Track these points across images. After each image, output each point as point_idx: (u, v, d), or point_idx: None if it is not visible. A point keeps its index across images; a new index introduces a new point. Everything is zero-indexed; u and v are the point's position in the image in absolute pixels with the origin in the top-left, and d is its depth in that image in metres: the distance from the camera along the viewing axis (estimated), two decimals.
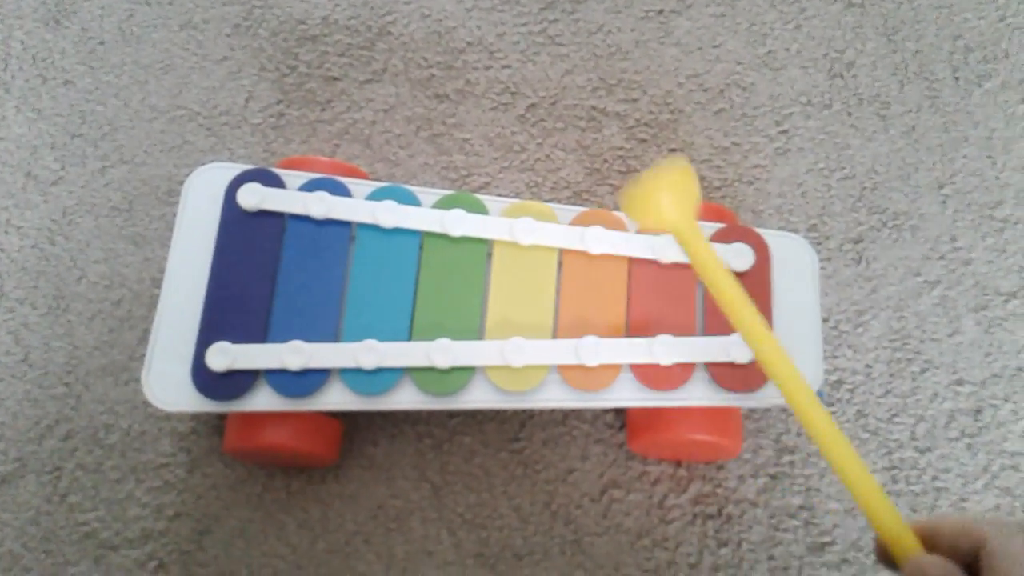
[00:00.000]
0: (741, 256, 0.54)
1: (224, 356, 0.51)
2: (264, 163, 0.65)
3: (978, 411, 0.61)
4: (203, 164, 0.56)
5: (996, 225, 0.65)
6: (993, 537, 0.34)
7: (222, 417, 0.59)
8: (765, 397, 0.53)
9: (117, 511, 0.58)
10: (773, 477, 0.59)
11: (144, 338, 0.61)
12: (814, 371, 0.54)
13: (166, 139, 0.67)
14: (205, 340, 0.52)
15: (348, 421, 0.59)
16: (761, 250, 0.55)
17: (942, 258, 0.65)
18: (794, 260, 0.56)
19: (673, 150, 0.67)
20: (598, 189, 0.66)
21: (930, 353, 0.62)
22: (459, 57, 0.70)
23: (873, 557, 0.57)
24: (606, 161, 0.67)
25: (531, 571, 0.57)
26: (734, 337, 0.52)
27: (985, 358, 0.62)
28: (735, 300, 0.42)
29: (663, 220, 0.44)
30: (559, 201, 0.65)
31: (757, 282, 0.54)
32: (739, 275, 0.54)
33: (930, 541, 0.36)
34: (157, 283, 0.62)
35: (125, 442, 0.59)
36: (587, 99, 0.68)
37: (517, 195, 0.66)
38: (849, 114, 0.68)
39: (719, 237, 0.55)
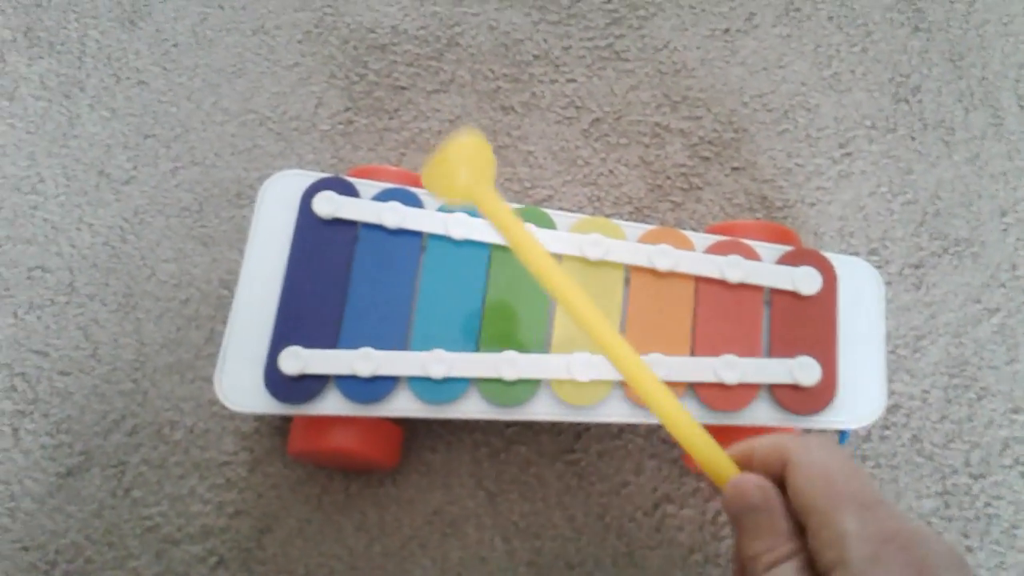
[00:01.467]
0: (809, 280, 0.54)
1: (297, 360, 0.52)
2: (332, 169, 0.67)
3: None
4: (272, 168, 0.57)
5: None
6: (794, 449, 0.37)
7: (285, 419, 0.60)
8: (827, 420, 0.53)
9: (180, 507, 0.59)
10: None
11: (211, 338, 0.62)
12: (878, 397, 0.54)
13: (236, 143, 0.68)
14: (278, 344, 0.53)
15: (407, 428, 0.59)
16: (828, 274, 0.55)
17: (1002, 286, 0.65)
18: (859, 285, 0.56)
19: (736, 168, 0.67)
20: (660, 205, 0.66)
21: (987, 380, 0.62)
22: (525, 70, 0.70)
23: None
24: (668, 178, 0.67)
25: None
26: (800, 360, 0.53)
27: None
28: (539, 259, 0.44)
29: (459, 189, 0.45)
30: (620, 216, 0.66)
31: (823, 306, 0.55)
32: (805, 299, 0.55)
33: (746, 464, 0.40)
34: (225, 284, 0.64)
35: (189, 439, 0.61)
36: (651, 115, 0.69)
37: (579, 209, 0.66)
38: (913, 139, 0.68)
39: (786, 260, 0.56)
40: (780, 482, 0.38)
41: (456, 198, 0.45)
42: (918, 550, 0.34)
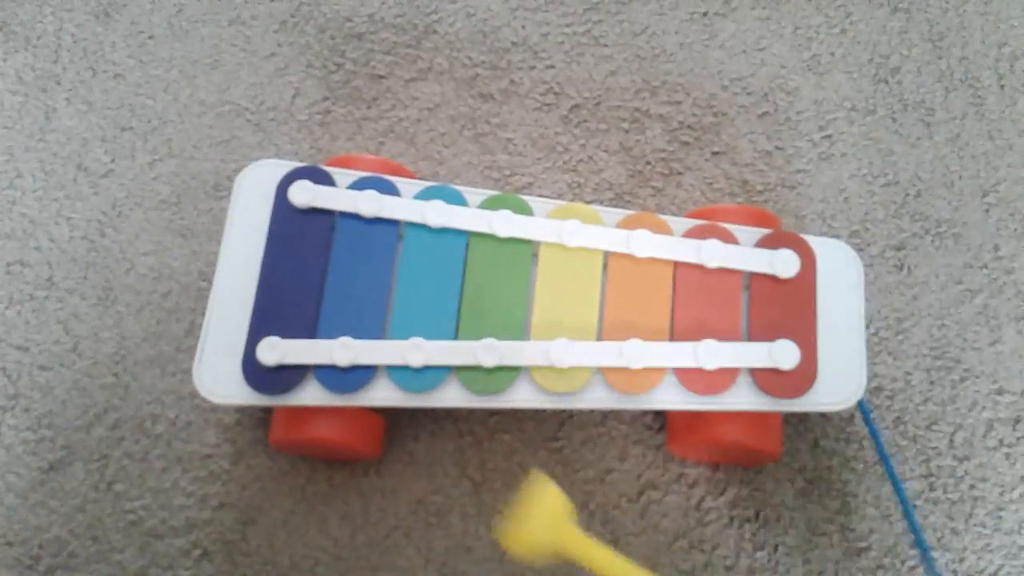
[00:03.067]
0: (787, 263, 0.54)
1: (274, 351, 0.52)
2: (310, 159, 0.66)
3: (1017, 420, 0.61)
4: (250, 160, 0.57)
5: None
6: None
7: (267, 410, 0.60)
8: (808, 403, 0.53)
9: (163, 500, 0.59)
10: (810, 481, 0.59)
11: (191, 330, 0.62)
12: (858, 379, 0.54)
13: (214, 134, 0.68)
14: (256, 334, 0.53)
15: (390, 417, 0.59)
16: (807, 257, 0.55)
17: (984, 267, 0.65)
18: (839, 267, 0.56)
19: (716, 153, 0.67)
20: (640, 191, 0.66)
21: (970, 362, 0.62)
22: (504, 57, 0.70)
23: (908, 564, 0.57)
24: (648, 163, 0.67)
25: (568, 568, 0.57)
26: (779, 343, 0.53)
27: None
28: None
29: (544, 548, 0.45)
30: (601, 202, 0.66)
31: (802, 289, 0.55)
32: (784, 282, 0.54)
33: None
34: (204, 276, 0.63)
35: (171, 432, 0.60)
36: (630, 101, 0.69)
37: (559, 196, 0.66)
38: (893, 120, 0.68)
39: (765, 243, 0.55)
40: None
41: (542, 557, 0.45)
42: None
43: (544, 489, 0.46)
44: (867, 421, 0.57)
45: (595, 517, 0.58)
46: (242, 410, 0.61)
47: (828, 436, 0.60)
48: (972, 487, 0.60)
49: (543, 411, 0.61)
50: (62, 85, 0.69)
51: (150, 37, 0.71)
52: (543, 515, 0.45)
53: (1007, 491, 0.59)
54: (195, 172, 0.67)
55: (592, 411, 0.61)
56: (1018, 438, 0.60)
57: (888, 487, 0.59)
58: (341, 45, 0.70)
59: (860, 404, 0.56)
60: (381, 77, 0.69)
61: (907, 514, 0.54)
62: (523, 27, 0.71)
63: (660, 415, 0.61)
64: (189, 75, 0.69)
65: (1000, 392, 0.62)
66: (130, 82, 0.69)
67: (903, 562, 0.58)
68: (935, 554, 0.58)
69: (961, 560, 0.58)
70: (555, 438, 0.60)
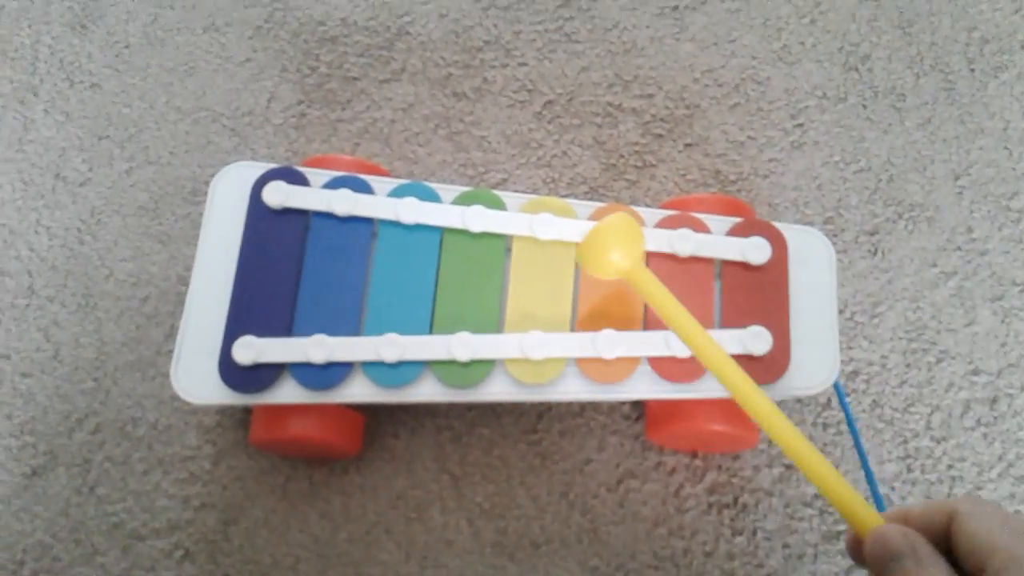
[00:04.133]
0: (758, 250, 0.55)
1: (249, 350, 0.53)
2: (287, 162, 0.67)
3: (994, 400, 0.61)
4: (227, 164, 0.57)
5: (1012, 216, 0.66)
6: (963, 502, 0.36)
7: (247, 410, 0.60)
8: (782, 388, 0.54)
9: (144, 502, 0.59)
10: (788, 467, 0.60)
11: (171, 334, 0.63)
12: (831, 363, 0.54)
13: (190, 140, 0.68)
14: (232, 334, 0.53)
15: (369, 414, 0.60)
16: (778, 243, 0.55)
17: (958, 249, 0.65)
18: (811, 253, 0.56)
19: (689, 144, 0.68)
20: (614, 184, 0.67)
21: (946, 343, 0.63)
22: (476, 56, 0.71)
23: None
24: (622, 156, 0.68)
25: (548, 560, 0.58)
26: (752, 329, 0.53)
27: (1001, 348, 0.62)
28: (698, 336, 0.46)
29: (616, 270, 0.49)
30: (576, 196, 0.66)
31: (774, 275, 0.55)
32: (756, 269, 0.55)
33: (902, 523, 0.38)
34: (183, 280, 0.64)
35: (152, 435, 0.61)
36: (603, 95, 0.69)
37: (534, 191, 0.66)
38: (864, 107, 0.69)
39: (736, 231, 0.56)
40: (939, 542, 0.36)
41: (610, 276, 0.49)
42: None
43: (621, 217, 0.50)
44: (840, 398, 0.57)
45: (574, 507, 0.59)
46: (222, 411, 0.61)
47: (805, 422, 0.61)
48: (950, 467, 0.60)
49: (521, 404, 0.61)
50: (39, 96, 0.70)
51: (126, 47, 0.71)
52: (612, 238, 0.49)
53: (985, 470, 0.60)
54: (172, 178, 0.67)
55: (570, 403, 0.61)
56: (995, 418, 0.61)
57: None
58: (315, 49, 0.71)
59: (836, 385, 0.56)
60: (355, 79, 0.70)
61: (869, 480, 0.54)
62: (495, 26, 0.72)
63: (638, 405, 0.61)
64: (165, 83, 0.70)
65: (976, 372, 0.62)
66: (107, 91, 0.70)
67: None
68: None
69: None
70: (534, 431, 0.61)
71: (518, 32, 0.71)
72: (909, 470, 0.60)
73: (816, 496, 0.59)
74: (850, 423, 0.55)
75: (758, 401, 0.43)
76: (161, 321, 0.63)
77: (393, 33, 0.71)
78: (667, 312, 0.47)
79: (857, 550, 0.39)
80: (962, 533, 0.35)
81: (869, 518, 0.38)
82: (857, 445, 0.55)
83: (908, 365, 0.62)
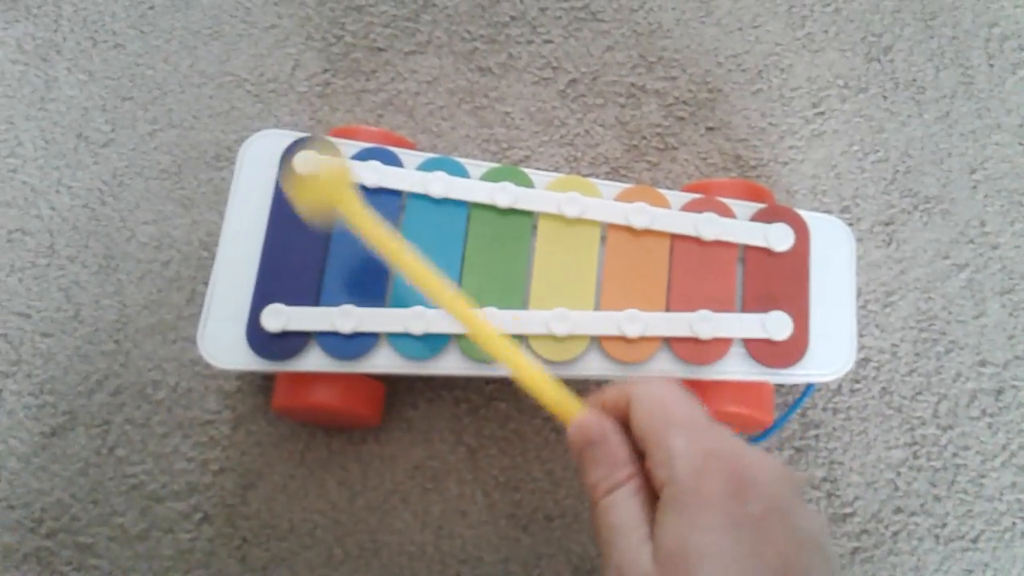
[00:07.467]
0: (781, 236, 0.56)
1: (278, 317, 0.53)
2: (310, 131, 0.67)
3: (1000, 391, 0.63)
4: (250, 131, 0.57)
5: None
6: (636, 387, 0.40)
7: (267, 377, 0.61)
8: (799, 373, 0.55)
9: (164, 464, 0.60)
10: (798, 450, 0.61)
11: (192, 299, 0.63)
12: (849, 351, 0.55)
13: (214, 105, 0.68)
14: (260, 302, 0.54)
15: (389, 385, 0.60)
16: (801, 231, 0.56)
17: (971, 242, 0.66)
18: (831, 241, 0.57)
19: (711, 128, 0.68)
20: (635, 165, 0.67)
21: (955, 334, 0.64)
22: (502, 31, 0.71)
23: (892, 529, 0.59)
24: (644, 138, 0.68)
25: (562, 532, 0.59)
26: (773, 315, 0.54)
27: (1008, 340, 0.64)
28: (408, 260, 0.48)
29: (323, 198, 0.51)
30: (597, 176, 0.67)
31: (796, 262, 0.56)
32: (778, 255, 0.56)
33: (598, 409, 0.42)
34: (205, 245, 0.64)
35: (172, 398, 0.61)
36: (627, 76, 0.70)
37: (556, 169, 0.67)
38: (885, 98, 0.69)
39: (760, 217, 0.57)
40: (626, 423, 0.40)
41: (323, 207, 0.51)
42: (740, 461, 0.36)
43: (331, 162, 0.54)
44: (803, 396, 0.59)
45: None
46: (242, 377, 0.61)
47: (816, 406, 0.62)
48: (955, 455, 0.61)
49: None
50: (62, 55, 0.70)
51: (150, 7, 0.71)
52: (326, 179, 0.51)
53: (988, 459, 0.61)
54: (195, 142, 0.67)
55: (586, 379, 0.62)
56: (1000, 408, 0.62)
57: (872, 455, 0.61)
58: (341, 17, 0.71)
59: (810, 387, 0.58)
60: (380, 50, 0.70)
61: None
62: (521, 1, 0.72)
63: None
64: (189, 46, 0.70)
65: (983, 364, 0.63)
66: (130, 52, 0.70)
67: (887, 527, 0.59)
68: (918, 519, 0.60)
69: (943, 525, 0.60)
70: None
71: (544, 8, 0.71)
72: (915, 456, 0.61)
73: (824, 479, 0.60)
74: (792, 410, 0.58)
75: (465, 310, 0.47)
76: (183, 285, 0.63)
77: (420, 4, 0.71)
78: (378, 241, 0.49)
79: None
80: (632, 419, 0.39)
81: (573, 409, 0.42)
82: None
83: (918, 354, 0.63)
